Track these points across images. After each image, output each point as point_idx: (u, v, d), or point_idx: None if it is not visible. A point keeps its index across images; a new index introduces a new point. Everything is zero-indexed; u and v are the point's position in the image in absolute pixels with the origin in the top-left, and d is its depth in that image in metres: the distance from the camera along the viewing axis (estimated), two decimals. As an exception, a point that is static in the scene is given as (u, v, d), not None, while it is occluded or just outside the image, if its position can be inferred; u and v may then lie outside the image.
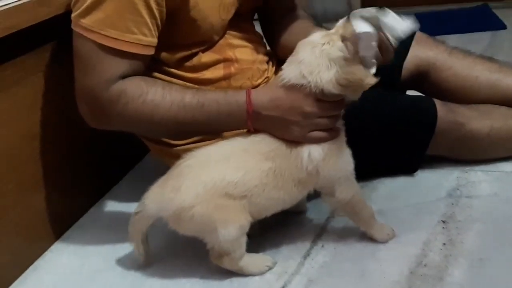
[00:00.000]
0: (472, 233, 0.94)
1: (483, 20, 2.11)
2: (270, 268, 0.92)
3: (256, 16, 1.15)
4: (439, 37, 1.27)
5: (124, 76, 0.88)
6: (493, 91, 1.16)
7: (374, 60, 0.85)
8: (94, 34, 0.85)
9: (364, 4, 2.41)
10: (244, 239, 0.87)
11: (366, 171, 1.10)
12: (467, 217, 0.99)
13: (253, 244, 0.91)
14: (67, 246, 1.08)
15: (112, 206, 1.19)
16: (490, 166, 1.12)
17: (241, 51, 1.03)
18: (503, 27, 2.00)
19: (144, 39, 0.87)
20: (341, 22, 0.88)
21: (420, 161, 1.13)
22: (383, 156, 1.10)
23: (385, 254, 0.91)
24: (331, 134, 0.88)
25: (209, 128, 0.92)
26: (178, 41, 0.96)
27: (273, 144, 0.87)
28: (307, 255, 0.95)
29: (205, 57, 0.99)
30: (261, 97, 0.89)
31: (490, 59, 1.24)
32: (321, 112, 0.87)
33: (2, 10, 0.90)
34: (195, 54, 0.99)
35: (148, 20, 0.86)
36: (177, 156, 0.91)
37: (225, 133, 0.95)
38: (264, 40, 1.13)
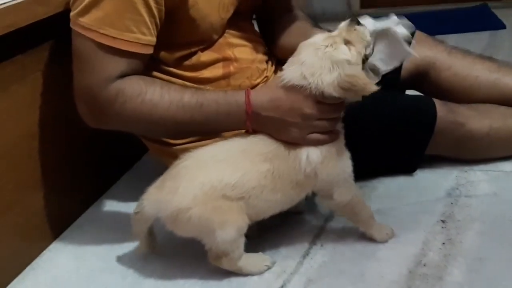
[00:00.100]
0: (471, 232, 0.94)
1: (483, 20, 2.11)
2: (269, 268, 0.91)
3: (253, 16, 1.15)
4: (438, 37, 1.27)
5: (122, 75, 0.87)
6: (492, 90, 1.16)
7: (384, 70, 0.86)
8: (93, 33, 0.85)
9: (363, 4, 2.41)
10: (242, 240, 0.87)
11: (365, 170, 1.10)
12: (466, 216, 0.99)
13: (252, 244, 0.91)
14: (65, 245, 1.07)
15: (110, 205, 1.19)
16: (490, 166, 1.12)
17: (240, 50, 1.03)
18: (502, 26, 2.01)
19: (143, 38, 0.87)
20: (343, 24, 0.87)
21: (420, 161, 1.12)
22: (382, 155, 1.10)
23: (384, 254, 0.91)
24: (330, 136, 0.88)
25: (208, 128, 0.92)
26: (177, 40, 0.96)
27: (272, 145, 0.87)
28: (306, 254, 0.94)
29: (204, 56, 0.99)
30: (260, 97, 0.88)
31: (490, 58, 1.24)
32: (320, 114, 0.86)
33: (0, 9, 0.90)
34: (194, 53, 0.98)
35: (147, 19, 0.86)
36: (176, 156, 0.91)
37: (224, 134, 0.94)
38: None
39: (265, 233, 0.97)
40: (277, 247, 0.96)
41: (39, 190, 1.05)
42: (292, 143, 0.87)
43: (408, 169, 1.13)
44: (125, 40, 0.85)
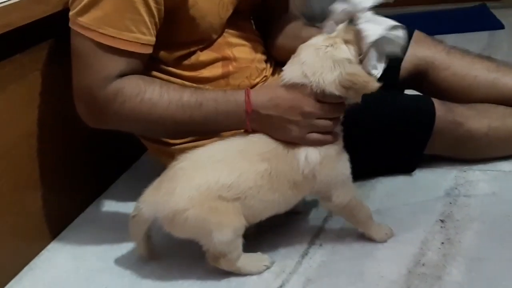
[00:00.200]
0: (470, 232, 0.94)
1: (481, 20, 2.11)
2: (268, 268, 0.91)
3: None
4: (437, 37, 1.27)
5: (122, 75, 0.87)
6: (491, 90, 1.16)
7: (381, 65, 0.86)
8: (92, 33, 0.85)
9: (362, 4, 2.41)
10: (240, 241, 0.87)
11: (364, 170, 1.10)
12: (465, 216, 0.99)
13: (251, 244, 0.91)
14: (64, 245, 1.07)
15: (109, 205, 1.19)
16: (488, 166, 1.12)
17: (239, 50, 1.03)
18: (501, 26, 2.01)
19: (143, 37, 0.87)
20: (342, 26, 0.88)
21: (419, 160, 1.12)
22: (381, 155, 1.10)
23: (383, 254, 0.91)
24: (329, 137, 0.88)
25: (207, 128, 0.92)
26: (177, 39, 0.96)
27: (270, 145, 0.87)
28: (305, 254, 0.94)
29: (204, 55, 0.99)
30: (260, 96, 0.88)
31: (489, 58, 1.24)
32: (320, 113, 0.86)
33: (-1, 8, 0.90)
34: (194, 52, 0.98)
35: (147, 19, 0.86)
36: (175, 155, 0.91)
37: (223, 134, 0.94)
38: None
39: (264, 233, 0.97)
40: (276, 247, 0.96)
41: (38, 190, 1.05)
42: (291, 143, 0.87)
43: (407, 169, 1.13)
44: (124, 39, 0.85)
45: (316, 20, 1.20)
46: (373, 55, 0.86)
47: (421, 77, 1.19)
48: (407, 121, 1.08)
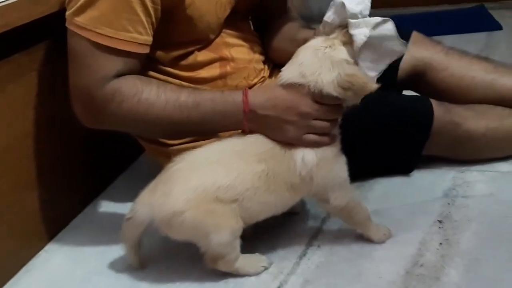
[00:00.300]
0: (468, 233, 0.94)
1: (479, 21, 2.11)
2: (266, 269, 0.91)
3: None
4: (435, 38, 1.27)
5: (119, 75, 0.87)
6: (489, 91, 1.16)
7: (382, 65, 0.86)
8: (89, 32, 0.84)
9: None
10: (237, 242, 0.86)
11: (363, 171, 1.10)
12: (463, 217, 0.99)
13: (249, 245, 0.90)
14: (61, 246, 1.07)
15: (106, 206, 1.19)
16: (486, 166, 1.12)
17: (237, 50, 1.03)
18: (499, 27, 2.01)
19: (139, 37, 0.87)
20: (340, 28, 0.87)
21: (417, 161, 1.12)
22: (380, 156, 1.10)
23: (381, 254, 0.91)
24: (326, 139, 0.87)
25: (204, 128, 0.92)
26: (174, 39, 0.96)
27: (267, 146, 0.86)
28: (303, 255, 0.94)
29: (201, 56, 0.99)
30: (258, 97, 0.88)
31: (486, 59, 1.24)
32: (318, 114, 0.86)
33: (-4, 8, 0.90)
34: (191, 52, 0.98)
35: (143, 19, 0.86)
36: (173, 156, 0.90)
37: (220, 134, 0.94)
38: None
39: (262, 234, 0.97)
40: (274, 248, 0.96)
41: (35, 190, 1.05)
42: (287, 144, 0.86)
43: (405, 170, 1.13)
44: (121, 39, 0.85)
45: (315, 20, 1.20)
46: (366, 57, 0.85)
47: (419, 77, 1.20)
48: (405, 122, 1.08)
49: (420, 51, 1.19)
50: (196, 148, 0.91)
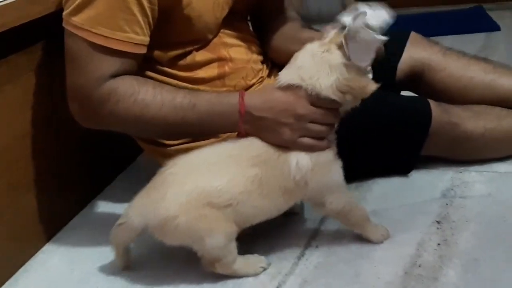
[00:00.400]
0: (466, 233, 0.94)
1: (478, 21, 2.12)
2: (264, 269, 0.91)
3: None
4: (434, 38, 1.28)
5: (115, 75, 0.87)
6: (487, 91, 1.16)
7: (369, 67, 0.86)
8: (85, 32, 0.84)
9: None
10: (233, 245, 0.86)
11: (361, 171, 1.10)
12: (461, 217, 0.99)
13: (247, 245, 0.90)
14: (59, 247, 1.06)
15: (104, 207, 1.18)
16: (484, 167, 1.12)
17: (235, 50, 1.03)
18: (497, 28, 2.01)
19: (136, 37, 0.86)
20: (334, 31, 0.87)
21: (415, 162, 1.12)
22: (378, 156, 1.10)
23: (379, 255, 0.91)
24: (321, 144, 0.87)
25: (200, 130, 0.91)
26: (172, 39, 0.96)
27: (261, 149, 0.86)
28: (301, 255, 0.94)
29: (199, 56, 0.99)
30: (254, 98, 0.88)
31: (485, 59, 1.24)
32: (314, 116, 0.86)
33: (-6, 8, 0.90)
34: (189, 52, 0.98)
35: (140, 19, 0.86)
36: (171, 156, 0.90)
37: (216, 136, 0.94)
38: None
39: (261, 234, 0.97)
40: (272, 248, 0.96)
41: (33, 191, 1.04)
42: (282, 148, 0.86)
43: (403, 170, 1.13)
44: (117, 39, 0.85)
45: (313, 21, 1.20)
46: (354, 49, 0.84)
47: (417, 78, 1.20)
48: (403, 122, 1.08)
49: (418, 52, 1.19)
50: (194, 148, 0.91)
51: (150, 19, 0.88)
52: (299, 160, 0.85)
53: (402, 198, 1.06)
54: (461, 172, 1.12)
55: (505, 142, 1.13)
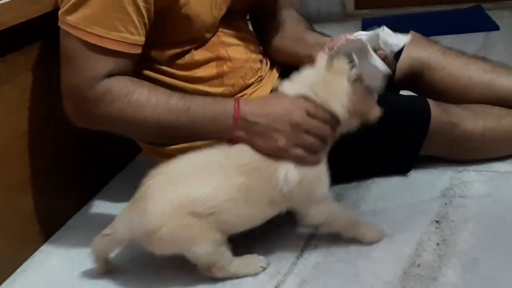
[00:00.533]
0: (465, 233, 0.94)
1: (476, 21, 2.12)
2: (264, 269, 0.91)
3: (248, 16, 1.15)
4: (433, 38, 1.27)
5: (110, 75, 0.86)
6: (486, 91, 1.16)
7: (375, 86, 0.87)
8: (80, 31, 0.84)
9: (357, 5, 2.41)
10: (223, 249, 0.85)
11: (360, 171, 1.10)
12: (460, 217, 0.98)
13: (246, 245, 0.90)
14: (57, 247, 1.06)
15: (102, 207, 1.18)
16: (484, 166, 1.12)
17: (234, 50, 1.02)
18: (496, 28, 2.02)
19: (131, 37, 0.86)
20: (326, 60, 0.88)
21: (414, 161, 1.12)
22: (377, 156, 1.10)
23: (378, 255, 0.91)
24: (312, 158, 0.86)
25: (193, 133, 0.90)
26: (170, 38, 0.95)
27: (250, 158, 0.85)
28: (300, 255, 0.94)
29: (198, 55, 0.98)
30: (250, 105, 0.88)
31: (484, 59, 1.24)
32: (310, 126, 0.85)
33: (-9, 7, 0.89)
34: (187, 51, 0.98)
35: (135, 19, 0.85)
36: (170, 156, 0.90)
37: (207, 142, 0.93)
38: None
39: (259, 234, 0.96)
40: (271, 248, 0.96)
41: (30, 191, 1.04)
42: (271, 159, 0.85)
43: (402, 170, 1.13)
44: (111, 39, 0.84)
45: (312, 21, 1.20)
46: (365, 68, 0.85)
47: (417, 77, 1.19)
48: (402, 122, 1.07)
49: (418, 51, 1.19)
50: (193, 148, 0.90)
51: (146, 19, 0.87)
52: (287, 172, 0.84)
53: (401, 198, 1.06)
54: (460, 172, 1.12)
55: (504, 142, 1.13)
